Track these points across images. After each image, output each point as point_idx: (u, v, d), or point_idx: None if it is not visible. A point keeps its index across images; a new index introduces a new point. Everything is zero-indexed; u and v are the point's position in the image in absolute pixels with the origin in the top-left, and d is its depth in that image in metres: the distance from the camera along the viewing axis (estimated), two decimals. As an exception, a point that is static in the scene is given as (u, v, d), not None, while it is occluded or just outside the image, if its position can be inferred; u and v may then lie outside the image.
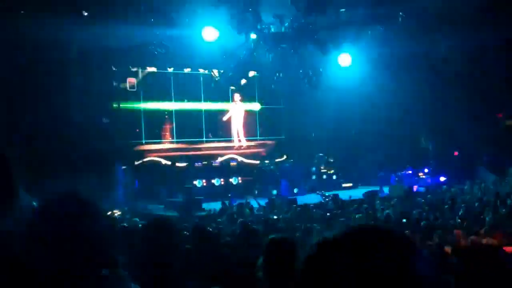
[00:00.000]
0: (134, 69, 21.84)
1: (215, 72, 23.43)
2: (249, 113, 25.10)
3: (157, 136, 22.71)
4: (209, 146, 23.84)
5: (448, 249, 7.12)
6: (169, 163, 21.97)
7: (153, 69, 22.32)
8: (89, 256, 1.81)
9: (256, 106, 25.70)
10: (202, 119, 23.78)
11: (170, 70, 22.91)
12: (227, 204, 16.66)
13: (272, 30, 21.70)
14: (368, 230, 1.26)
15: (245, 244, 6.73)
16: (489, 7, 20.11)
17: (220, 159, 23.22)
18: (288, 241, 3.60)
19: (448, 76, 22.78)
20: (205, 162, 22.78)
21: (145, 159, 21.84)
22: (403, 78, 22.74)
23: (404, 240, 1.24)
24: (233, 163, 23.58)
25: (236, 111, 24.50)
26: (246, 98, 25.16)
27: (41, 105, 17.80)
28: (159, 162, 22.02)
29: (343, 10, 21.12)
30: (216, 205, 16.68)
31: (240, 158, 23.80)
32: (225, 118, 24.26)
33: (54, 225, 1.80)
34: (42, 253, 1.74)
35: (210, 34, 19.25)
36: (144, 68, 22.09)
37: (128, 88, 21.68)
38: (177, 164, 22.08)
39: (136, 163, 21.45)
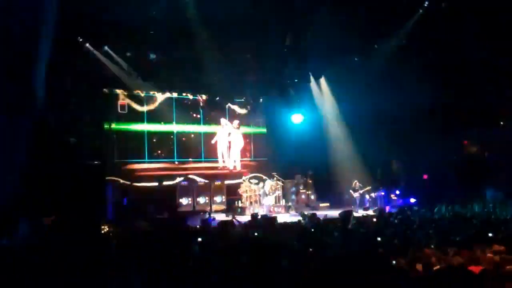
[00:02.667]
0: (126, 92, 21.78)
1: (203, 97, 23.67)
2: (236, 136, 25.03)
3: (145, 155, 22.53)
4: (195, 166, 23.70)
5: (419, 266, 7.13)
6: (156, 182, 21.80)
7: (144, 92, 22.31)
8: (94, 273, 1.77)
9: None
10: (186, 140, 23.80)
11: (161, 94, 22.90)
12: (206, 222, 16.54)
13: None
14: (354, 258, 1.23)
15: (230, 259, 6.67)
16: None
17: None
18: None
19: (418, 105, 23.08)
20: (191, 181, 22.69)
21: (134, 178, 21.63)
22: (377, 106, 23.00)
23: (392, 267, 1.21)
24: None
25: (222, 134, 24.42)
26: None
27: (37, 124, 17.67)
28: (147, 181, 21.81)
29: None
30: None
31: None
32: (213, 141, 24.11)
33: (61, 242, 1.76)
34: (48, 268, 1.70)
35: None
36: (135, 90, 22.03)
37: (119, 110, 21.57)
38: (164, 183, 21.93)
39: (125, 181, 21.21)
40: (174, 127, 23.37)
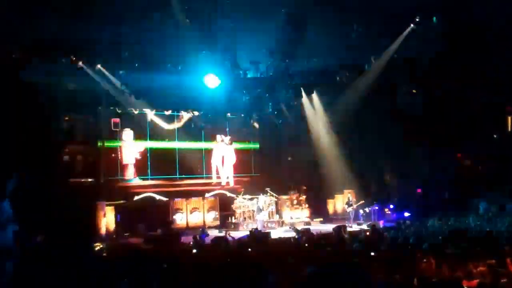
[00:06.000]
0: (118, 110, 21.66)
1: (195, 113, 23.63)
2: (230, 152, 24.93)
3: (138, 173, 22.42)
4: (188, 182, 23.58)
5: (414, 280, 7.07)
6: (150, 198, 21.70)
7: (136, 110, 22.20)
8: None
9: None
10: (178, 157, 23.70)
11: (151, 111, 22.83)
12: (199, 238, 16.43)
13: (249, 75, 22.02)
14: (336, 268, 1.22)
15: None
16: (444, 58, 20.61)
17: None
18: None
19: (412, 119, 23.10)
20: (184, 198, 22.58)
21: (127, 195, 21.49)
22: (370, 121, 23.08)
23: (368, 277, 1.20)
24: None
25: (217, 150, 24.38)
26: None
27: (31, 142, 17.62)
28: (140, 197, 21.68)
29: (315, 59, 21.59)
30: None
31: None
32: (213, 159, 24.13)
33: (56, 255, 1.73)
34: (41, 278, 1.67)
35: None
36: (126, 109, 21.90)
37: (112, 128, 21.47)
38: (158, 199, 21.84)
39: (118, 198, 21.06)
40: (172, 144, 23.45)
